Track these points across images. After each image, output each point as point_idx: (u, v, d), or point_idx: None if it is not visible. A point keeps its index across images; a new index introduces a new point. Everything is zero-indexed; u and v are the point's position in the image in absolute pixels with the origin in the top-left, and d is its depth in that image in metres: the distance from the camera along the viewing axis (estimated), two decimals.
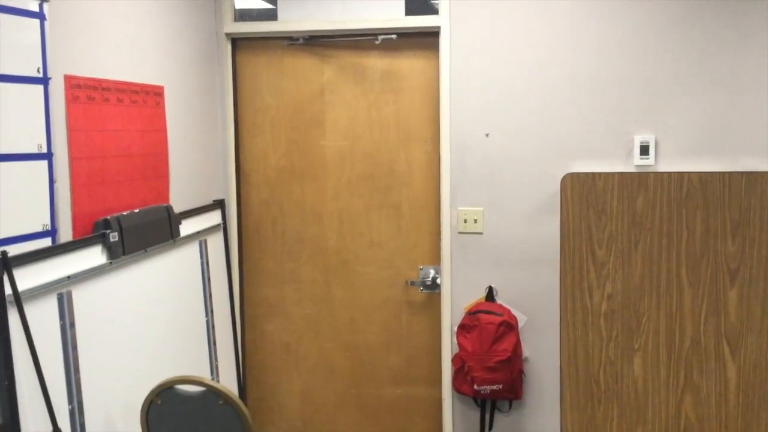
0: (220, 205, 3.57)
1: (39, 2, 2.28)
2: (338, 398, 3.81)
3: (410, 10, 3.48)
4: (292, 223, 3.75)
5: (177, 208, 3.11)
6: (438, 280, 3.60)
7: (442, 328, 3.58)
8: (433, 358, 3.69)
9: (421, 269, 3.65)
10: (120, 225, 2.60)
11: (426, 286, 3.64)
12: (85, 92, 2.53)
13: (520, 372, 3.40)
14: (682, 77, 3.25)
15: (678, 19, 3.23)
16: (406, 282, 3.67)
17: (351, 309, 3.75)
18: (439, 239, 3.56)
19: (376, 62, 3.60)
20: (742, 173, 3.14)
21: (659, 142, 3.29)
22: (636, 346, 3.24)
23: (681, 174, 3.18)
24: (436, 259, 3.63)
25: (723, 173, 3.15)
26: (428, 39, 3.52)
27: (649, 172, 3.22)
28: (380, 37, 3.51)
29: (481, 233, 3.48)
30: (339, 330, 3.77)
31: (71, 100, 2.46)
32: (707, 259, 3.17)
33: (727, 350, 3.18)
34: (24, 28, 2.22)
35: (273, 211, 3.77)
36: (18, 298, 2.07)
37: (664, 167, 3.28)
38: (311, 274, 3.77)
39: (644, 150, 3.28)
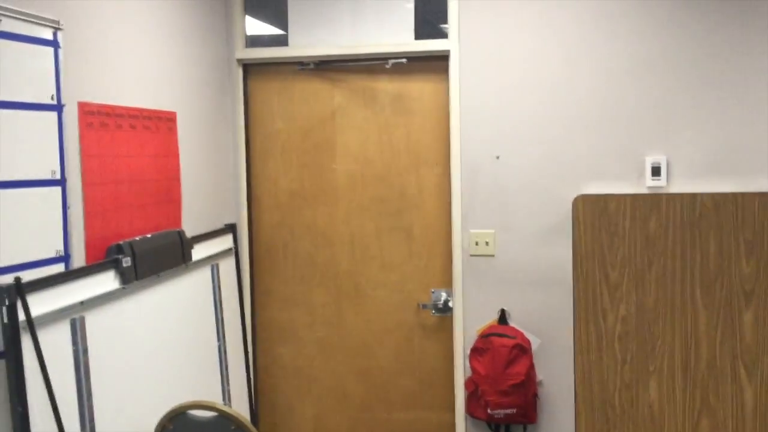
0: (231, 229, 3.58)
1: (53, 31, 2.31)
2: (351, 423, 3.79)
3: (420, 35, 3.51)
4: (304, 247, 3.76)
5: (189, 233, 3.12)
6: (450, 303, 3.58)
7: (454, 352, 3.56)
8: (445, 381, 3.66)
9: (432, 292, 3.64)
10: (133, 250, 2.61)
11: (438, 309, 3.63)
12: (98, 119, 2.56)
13: (534, 396, 3.37)
14: (693, 98, 3.25)
15: (688, 39, 3.23)
16: (418, 305, 3.66)
17: (363, 332, 3.74)
18: (451, 262, 3.55)
19: (386, 86, 3.62)
20: (755, 194, 3.12)
21: (671, 163, 3.28)
22: (651, 369, 3.21)
23: (693, 195, 3.17)
24: (447, 282, 3.62)
25: (736, 194, 3.14)
26: (438, 63, 3.53)
27: (661, 194, 3.21)
28: (390, 62, 3.54)
29: (493, 255, 3.46)
30: (351, 354, 3.76)
31: (85, 126, 2.48)
32: (721, 281, 3.15)
33: (743, 373, 3.14)
34: (38, 56, 2.25)
35: (284, 235, 3.78)
36: (31, 324, 2.07)
37: (676, 188, 3.27)
38: (323, 298, 3.76)
39: (656, 171, 3.28)
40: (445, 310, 3.62)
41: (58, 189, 2.33)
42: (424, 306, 3.65)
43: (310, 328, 3.79)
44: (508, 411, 3.27)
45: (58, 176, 2.32)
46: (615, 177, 3.33)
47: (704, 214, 3.16)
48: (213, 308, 3.31)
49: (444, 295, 3.62)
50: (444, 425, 3.68)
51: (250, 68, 3.73)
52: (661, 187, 3.28)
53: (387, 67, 3.55)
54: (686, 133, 3.26)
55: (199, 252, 3.16)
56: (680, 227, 3.18)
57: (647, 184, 3.29)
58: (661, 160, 3.27)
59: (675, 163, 3.27)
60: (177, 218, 3.12)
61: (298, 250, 3.77)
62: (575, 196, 3.28)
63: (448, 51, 3.46)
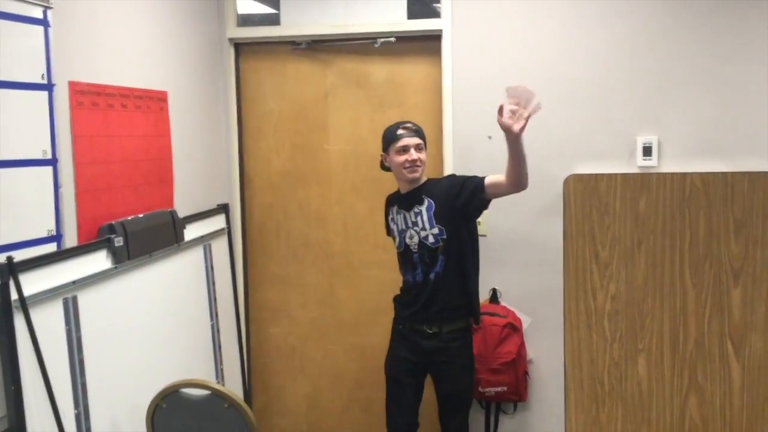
0: (224, 209, 3.58)
1: (43, 9, 2.30)
2: (344, 401, 3.82)
3: (412, 14, 3.49)
4: (297, 227, 3.76)
5: (181, 213, 3.12)
6: None
7: None
8: None
9: None
10: (125, 230, 2.62)
11: None
12: (89, 98, 2.55)
13: (525, 374, 3.40)
14: (684, 78, 3.25)
15: (680, 20, 3.23)
16: None
17: (356, 312, 3.75)
18: None
19: (379, 66, 3.61)
20: (744, 173, 3.14)
21: (662, 143, 3.29)
22: (640, 347, 3.24)
23: (684, 175, 3.18)
24: None
25: (725, 174, 3.15)
26: (430, 42, 3.52)
27: (651, 173, 3.23)
28: (379, 41, 3.52)
29: (485, 235, 3.47)
30: (344, 332, 3.78)
31: (75, 106, 2.47)
32: (710, 260, 3.17)
33: (731, 350, 3.18)
34: (28, 35, 2.24)
35: (277, 215, 3.78)
36: (24, 303, 2.08)
37: (666, 168, 3.28)
38: (316, 278, 3.77)
39: (647, 151, 3.28)
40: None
41: (49, 169, 2.33)
42: None
43: (303, 308, 3.80)
44: (499, 389, 3.31)
45: (49, 156, 2.32)
46: (606, 157, 3.34)
47: (694, 193, 3.17)
48: (206, 288, 3.33)
49: None
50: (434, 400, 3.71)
51: (241, 47, 3.71)
52: (652, 167, 3.29)
53: (376, 47, 3.54)
54: (678, 114, 3.26)
55: (191, 232, 3.17)
56: (670, 206, 3.19)
57: (638, 163, 3.30)
58: (653, 140, 3.28)
59: (666, 143, 3.28)
60: (169, 198, 3.12)
61: (291, 230, 3.77)
62: (567, 175, 3.29)
63: (441, 30, 3.44)
